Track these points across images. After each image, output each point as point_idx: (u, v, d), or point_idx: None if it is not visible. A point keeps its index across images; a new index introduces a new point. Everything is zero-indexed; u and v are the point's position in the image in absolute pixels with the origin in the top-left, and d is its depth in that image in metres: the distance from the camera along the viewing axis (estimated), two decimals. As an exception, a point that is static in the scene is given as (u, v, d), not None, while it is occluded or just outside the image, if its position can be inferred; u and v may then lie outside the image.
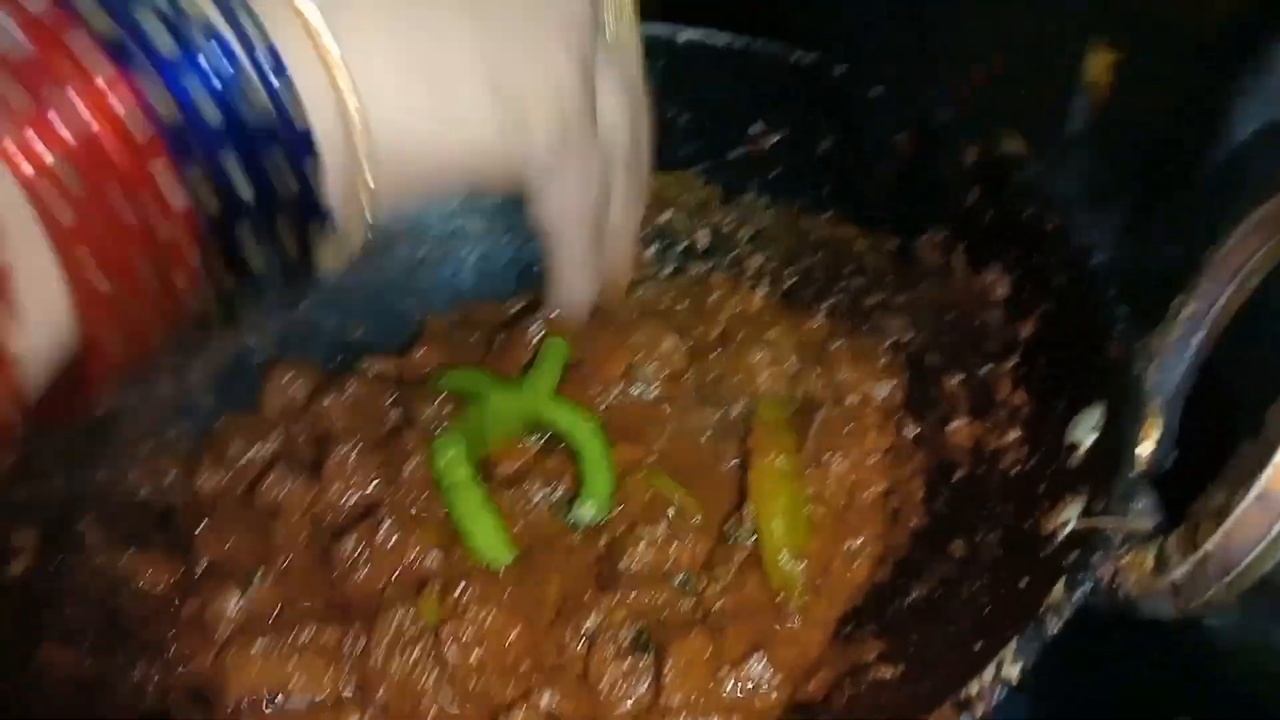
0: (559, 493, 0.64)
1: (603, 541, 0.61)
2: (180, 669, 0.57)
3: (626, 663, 0.54)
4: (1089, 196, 1.02)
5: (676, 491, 0.63)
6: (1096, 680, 0.64)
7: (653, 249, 0.79)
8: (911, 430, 0.64)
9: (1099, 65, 0.95)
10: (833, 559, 0.59)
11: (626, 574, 0.59)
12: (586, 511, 0.62)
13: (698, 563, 0.60)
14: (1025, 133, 1.00)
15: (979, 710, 0.37)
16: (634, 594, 0.57)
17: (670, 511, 0.62)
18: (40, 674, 0.51)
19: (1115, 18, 0.90)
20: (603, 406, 0.70)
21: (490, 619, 0.57)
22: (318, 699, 0.56)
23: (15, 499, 0.58)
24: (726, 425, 0.67)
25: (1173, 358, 0.47)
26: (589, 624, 0.57)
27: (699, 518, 0.62)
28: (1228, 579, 0.34)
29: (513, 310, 0.76)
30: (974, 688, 0.37)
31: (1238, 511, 0.33)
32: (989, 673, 0.38)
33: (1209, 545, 0.34)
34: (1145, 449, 0.45)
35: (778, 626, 0.57)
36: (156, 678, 0.56)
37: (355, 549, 0.60)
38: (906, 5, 0.85)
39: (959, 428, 0.60)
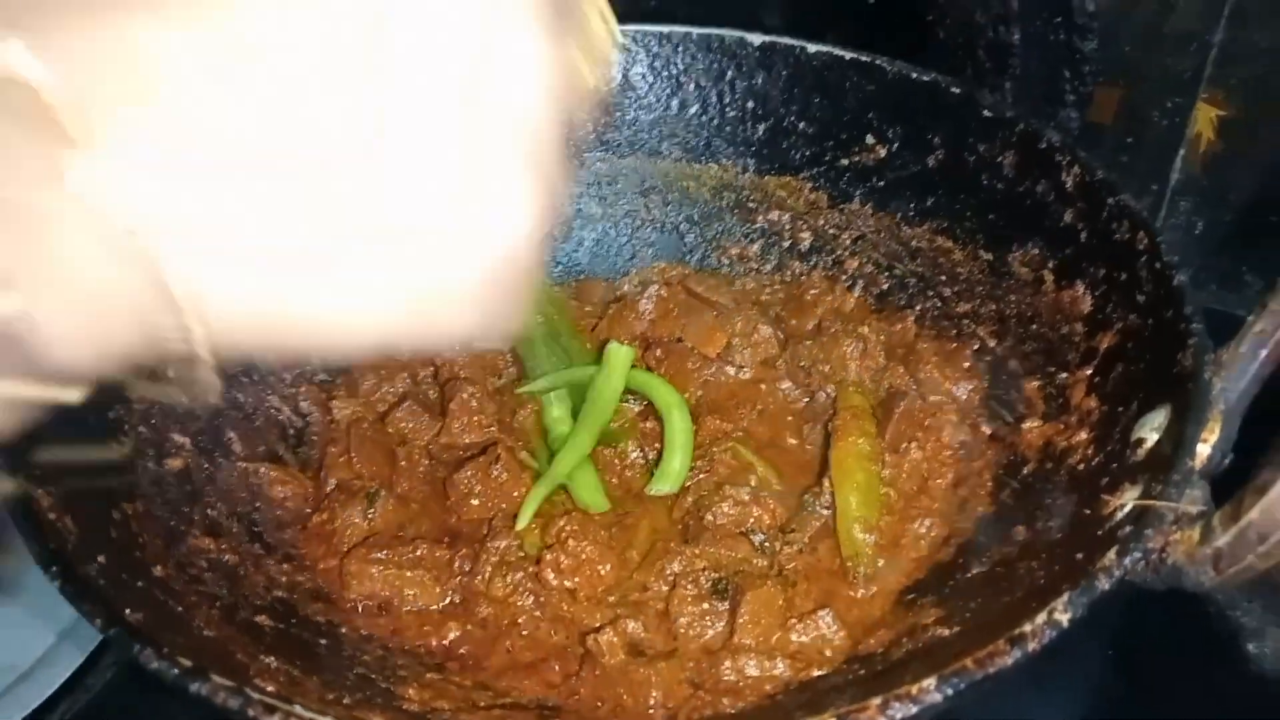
0: (651, 454, 0.70)
1: (690, 499, 0.67)
2: (307, 570, 0.64)
3: (705, 605, 0.60)
4: (1187, 245, 1.05)
5: (756, 462, 0.69)
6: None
7: (757, 245, 0.85)
8: (986, 428, 0.68)
9: (1204, 120, 0.99)
10: (901, 536, 0.64)
11: (711, 527, 0.64)
12: (660, 487, 0.68)
13: (776, 525, 0.65)
14: (1134, 175, 1.04)
15: (1030, 645, 0.41)
16: (715, 547, 0.63)
17: (753, 479, 0.68)
18: (189, 559, 0.58)
19: (1228, 75, 0.94)
20: (700, 380, 0.75)
21: (587, 552, 0.63)
22: (425, 608, 0.62)
23: (174, 406, 0.66)
24: (813, 409, 0.73)
25: (1238, 371, 0.51)
26: (672, 569, 0.62)
27: (778, 486, 0.68)
28: (1264, 547, 0.38)
29: (624, 288, 0.82)
30: (1027, 627, 0.42)
31: (1278, 486, 0.37)
32: (1041, 617, 0.42)
33: (1252, 514, 0.38)
34: (1204, 450, 0.49)
35: (846, 591, 0.62)
36: (285, 577, 0.62)
37: (471, 482, 0.67)
38: (1045, 27, 0.89)
39: (1032, 428, 0.64)
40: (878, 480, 0.66)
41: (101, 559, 0.50)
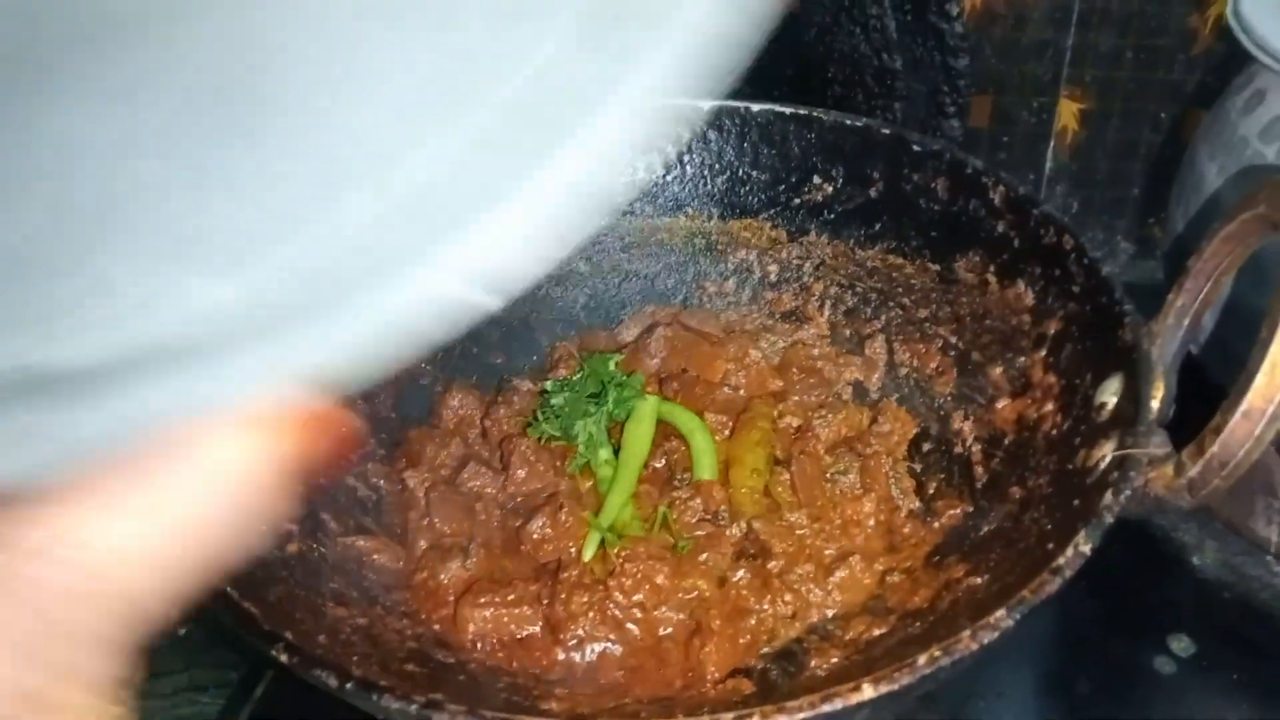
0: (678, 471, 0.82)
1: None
2: (423, 622, 0.73)
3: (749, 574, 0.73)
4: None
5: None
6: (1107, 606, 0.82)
7: (731, 281, 0.97)
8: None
9: (1067, 113, 1.16)
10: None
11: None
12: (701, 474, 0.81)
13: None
14: (1012, 168, 1.20)
15: (1066, 574, 0.54)
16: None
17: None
18: (335, 628, 0.67)
19: (1082, 73, 1.11)
20: (709, 402, 0.87)
21: (642, 569, 0.73)
22: (531, 637, 0.72)
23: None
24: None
25: (1167, 340, 0.66)
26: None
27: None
28: (1225, 471, 0.52)
29: (625, 333, 0.94)
30: (1061, 560, 0.55)
31: (1231, 422, 0.51)
32: (1070, 551, 0.55)
33: (1214, 448, 0.52)
34: (1155, 405, 0.63)
35: (882, 557, 0.75)
36: (409, 630, 0.71)
37: (543, 529, 0.77)
38: (922, 51, 1.05)
39: (1004, 406, 0.78)
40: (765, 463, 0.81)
41: (289, 634, 0.59)
